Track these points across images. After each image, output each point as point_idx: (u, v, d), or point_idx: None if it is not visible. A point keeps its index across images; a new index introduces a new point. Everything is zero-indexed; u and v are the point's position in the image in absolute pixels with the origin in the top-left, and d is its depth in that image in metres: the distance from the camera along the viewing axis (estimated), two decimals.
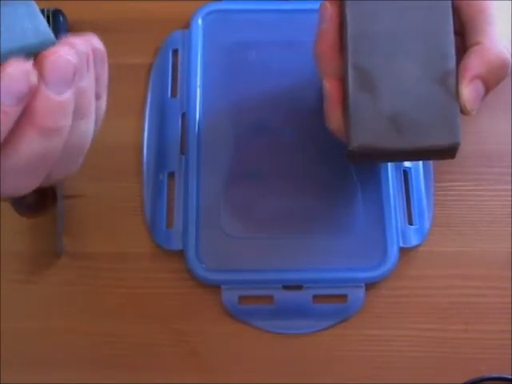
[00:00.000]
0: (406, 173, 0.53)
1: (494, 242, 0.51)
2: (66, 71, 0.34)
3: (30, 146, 0.35)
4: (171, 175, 0.53)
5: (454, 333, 0.50)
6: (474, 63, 0.44)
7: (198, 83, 0.55)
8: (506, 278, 0.50)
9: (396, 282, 0.51)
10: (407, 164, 0.53)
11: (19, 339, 0.50)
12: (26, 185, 0.37)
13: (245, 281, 0.50)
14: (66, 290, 0.51)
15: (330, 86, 0.46)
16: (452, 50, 0.45)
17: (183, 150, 0.53)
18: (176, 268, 0.51)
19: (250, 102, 0.54)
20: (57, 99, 0.34)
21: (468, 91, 0.44)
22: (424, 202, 0.52)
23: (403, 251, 0.51)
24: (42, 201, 0.53)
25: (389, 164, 0.52)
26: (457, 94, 0.44)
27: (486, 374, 0.48)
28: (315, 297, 0.50)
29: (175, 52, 0.56)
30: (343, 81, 0.46)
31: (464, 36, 0.45)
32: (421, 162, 0.53)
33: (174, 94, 0.55)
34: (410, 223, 0.52)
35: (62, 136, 0.36)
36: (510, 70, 0.44)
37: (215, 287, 0.50)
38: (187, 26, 0.56)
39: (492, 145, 0.54)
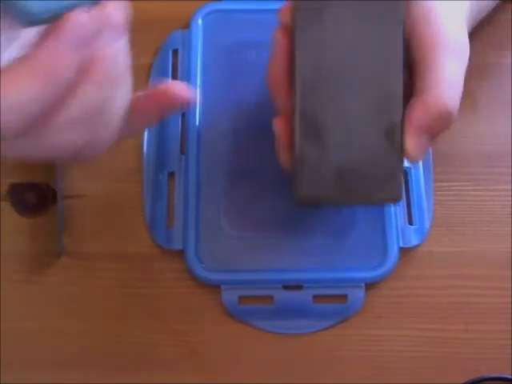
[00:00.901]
0: (405, 173, 0.53)
1: (493, 242, 0.51)
2: (117, 23, 0.38)
3: (82, 98, 0.37)
4: (171, 175, 0.53)
5: (454, 333, 0.50)
6: (418, 115, 0.43)
7: (198, 83, 0.55)
8: (506, 277, 0.50)
9: (396, 282, 0.51)
10: (407, 164, 0.53)
11: (19, 339, 0.50)
12: (66, 144, 0.38)
13: (245, 281, 0.50)
14: (65, 290, 0.51)
15: (278, 128, 0.46)
16: (400, 99, 0.44)
17: (183, 150, 0.53)
18: (176, 268, 0.51)
19: (250, 101, 0.54)
20: (108, 50, 0.37)
21: (412, 143, 0.44)
22: (424, 201, 0.52)
23: (403, 251, 0.51)
24: (42, 201, 0.53)
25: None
26: (402, 146, 0.44)
27: (486, 374, 0.48)
28: (315, 297, 0.50)
29: (175, 52, 0.56)
30: (291, 124, 0.45)
31: (413, 72, 0.45)
32: (421, 162, 0.53)
33: None
34: (410, 223, 0.52)
35: (109, 90, 0.38)
36: (455, 116, 0.44)
37: (215, 287, 0.50)
38: (187, 25, 0.56)
39: (492, 145, 0.54)
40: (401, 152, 0.44)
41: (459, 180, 0.53)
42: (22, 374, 0.49)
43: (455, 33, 0.45)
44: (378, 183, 0.44)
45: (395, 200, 0.45)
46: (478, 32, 0.56)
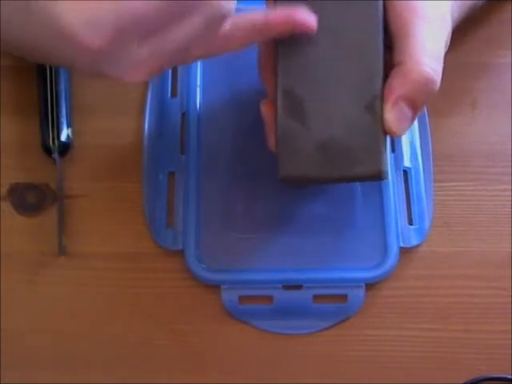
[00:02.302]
0: (405, 173, 0.53)
1: (493, 242, 0.51)
2: None
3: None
4: (171, 175, 0.53)
5: (453, 333, 0.50)
6: (396, 84, 0.43)
7: (198, 83, 0.55)
8: (506, 277, 0.50)
9: (396, 282, 0.51)
10: (407, 164, 0.53)
11: (19, 339, 0.50)
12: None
13: (245, 281, 0.50)
14: (66, 290, 0.51)
15: (264, 110, 0.47)
16: (380, 74, 0.44)
17: (183, 150, 0.53)
18: (176, 268, 0.51)
19: (250, 101, 0.54)
20: None
21: (392, 114, 0.44)
22: (424, 201, 0.52)
23: (403, 251, 0.51)
24: (42, 201, 0.53)
25: (389, 164, 0.52)
26: (382, 119, 0.44)
27: (486, 374, 0.48)
28: (315, 297, 0.50)
29: None
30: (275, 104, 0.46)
31: (392, 46, 0.45)
32: (421, 162, 0.53)
33: (173, 94, 0.55)
34: (410, 223, 0.52)
35: None
36: (437, 84, 0.43)
37: (215, 287, 0.50)
38: None
39: (492, 145, 0.54)
40: (382, 124, 0.44)
41: (459, 180, 0.53)
42: (22, 374, 0.49)
43: (435, 7, 0.45)
44: (361, 157, 0.44)
45: (379, 174, 0.44)
46: (477, 32, 0.56)
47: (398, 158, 0.53)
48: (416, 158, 0.53)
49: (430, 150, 0.53)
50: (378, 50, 0.44)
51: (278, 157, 0.45)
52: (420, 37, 0.43)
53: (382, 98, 0.44)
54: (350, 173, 0.45)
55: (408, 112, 0.44)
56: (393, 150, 0.53)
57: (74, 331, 0.50)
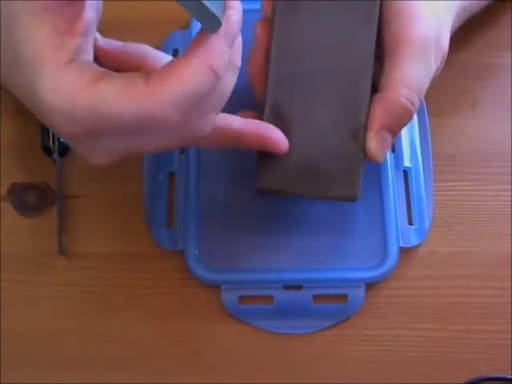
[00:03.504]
0: (405, 173, 0.53)
1: (493, 242, 0.51)
2: (239, 25, 0.39)
3: (225, 84, 0.40)
4: (171, 175, 0.53)
5: (454, 333, 0.50)
6: (378, 114, 0.45)
7: None
8: (506, 277, 0.50)
9: (396, 282, 0.51)
10: (407, 164, 0.53)
11: (19, 340, 0.50)
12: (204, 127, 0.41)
13: (245, 281, 0.50)
14: (65, 290, 0.51)
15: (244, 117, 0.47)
16: (367, 102, 0.46)
17: (183, 150, 0.53)
18: (176, 268, 0.51)
19: (249, 101, 0.54)
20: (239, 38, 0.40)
21: (375, 143, 0.46)
22: (424, 201, 0.52)
23: (403, 251, 0.51)
24: (42, 201, 0.53)
25: (388, 164, 0.52)
26: (364, 146, 0.46)
27: (486, 374, 0.48)
28: (315, 297, 0.50)
29: (175, 52, 0.56)
30: (260, 115, 0.47)
31: (383, 64, 0.46)
32: (421, 162, 0.53)
33: None
34: (410, 223, 0.52)
35: (219, 80, 0.39)
36: (413, 113, 0.46)
37: (215, 287, 0.50)
38: (187, 26, 0.56)
39: (492, 145, 0.54)
40: (363, 152, 0.46)
41: (459, 180, 0.53)
42: (22, 374, 0.49)
43: (429, 32, 0.46)
44: (338, 181, 0.46)
45: (353, 199, 0.46)
46: (477, 32, 0.56)
47: (397, 158, 0.53)
48: (416, 158, 0.53)
49: (430, 150, 0.53)
50: (367, 75, 0.46)
51: (257, 168, 0.46)
52: (406, 68, 0.45)
53: (366, 126, 0.46)
54: (326, 194, 0.46)
55: (388, 139, 0.46)
56: (393, 150, 0.53)
57: (73, 331, 0.50)
